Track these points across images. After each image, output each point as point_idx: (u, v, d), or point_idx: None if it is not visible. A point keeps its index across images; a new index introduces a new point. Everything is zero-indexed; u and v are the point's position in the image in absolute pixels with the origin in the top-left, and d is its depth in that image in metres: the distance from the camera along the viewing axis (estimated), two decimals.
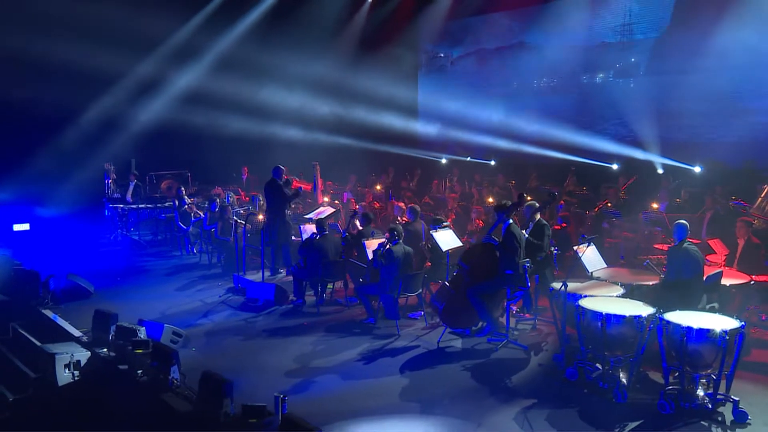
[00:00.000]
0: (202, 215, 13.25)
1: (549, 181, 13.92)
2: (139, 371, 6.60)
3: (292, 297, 9.49)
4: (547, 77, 16.04)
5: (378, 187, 15.20)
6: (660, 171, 13.10)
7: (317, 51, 17.25)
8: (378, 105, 17.28)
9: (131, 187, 15.40)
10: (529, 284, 7.44)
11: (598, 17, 14.62)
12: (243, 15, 17.24)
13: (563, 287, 6.54)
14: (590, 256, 7.33)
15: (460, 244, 8.60)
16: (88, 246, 13.98)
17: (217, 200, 12.66)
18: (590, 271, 7.23)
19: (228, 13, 17.03)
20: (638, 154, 13.30)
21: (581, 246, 7.27)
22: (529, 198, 12.04)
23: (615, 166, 13.78)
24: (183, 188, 14.30)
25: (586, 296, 6.51)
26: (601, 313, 6.03)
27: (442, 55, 18.56)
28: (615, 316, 6.01)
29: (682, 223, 6.63)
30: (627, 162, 13.59)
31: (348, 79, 17.44)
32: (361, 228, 9.50)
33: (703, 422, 5.53)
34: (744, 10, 11.77)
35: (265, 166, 16.92)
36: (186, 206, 13.33)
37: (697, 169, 12.50)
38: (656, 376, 6.41)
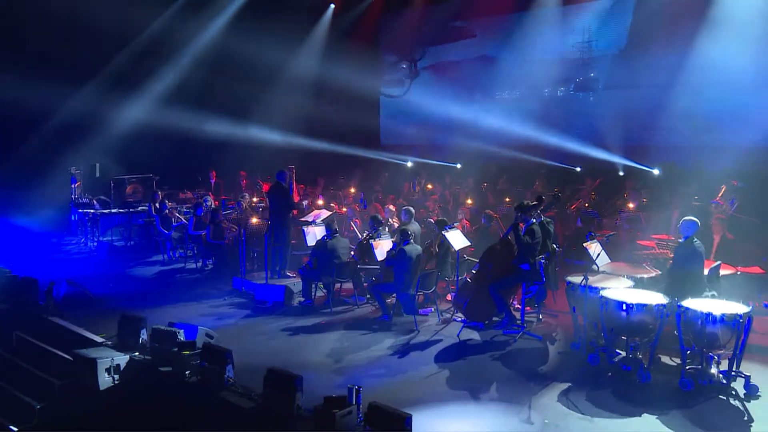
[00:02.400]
0: (184, 220, 13.25)
1: (518, 183, 14.69)
2: (187, 372, 6.74)
3: (299, 298, 9.74)
4: (509, 90, 16.86)
5: (352, 190, 15.53)
6: (621, 173, 14.12)
7: (283, 56, 17.46)
8: (342, 108, 17.66)
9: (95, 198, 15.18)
10: (544, 279, 8.04)
11: (559, 34, 15.52)
12: (208, 21, 17.23)
13: (584, 280, 7.16)
14: (597, 252, 7.99)
15: (469, 243, 9.11)
16: (59, 252, 13.71)
17: (204, 205, 12.67)
18: (599, 265, 7.87)
19: (191, 21, 16.96)
20: (602, 157, 14.26)
21: (590, 243, 7.93)
22: (507, 200, 12.79)
23: (578, 169, 14.71)
24: (160, 192, 14.17)
25: (604, 288, 7.15)
26: (626, 302, 6.68)
27: (404, 66, 19.06)
28: (638, 304, 6.67)
29: (693, 221, 7.37)
30: (590, 165, 14.55)
31: (313, 84, 17.78)
32: (369, 231, 9.83)
33: (721, 396, 6.26)
34: (693, 31, 12.92)
35: (232, 169, 17.10)
36: (167, 211, 13.25)
37: (656, 171, 13.58)
38: (666, 359, 7.13)
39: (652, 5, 14.00)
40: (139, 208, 14.72)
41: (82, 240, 14.61)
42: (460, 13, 16.78)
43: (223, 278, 11.13)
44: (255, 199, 14.31)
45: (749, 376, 6.33)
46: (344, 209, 12.67)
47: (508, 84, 16.61)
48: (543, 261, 7.95)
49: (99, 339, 8.01)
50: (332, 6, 18.82)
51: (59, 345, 8.23)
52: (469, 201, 13.37)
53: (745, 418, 5.85)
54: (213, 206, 13.30)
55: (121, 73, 16.36)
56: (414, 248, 8.70)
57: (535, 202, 8.07)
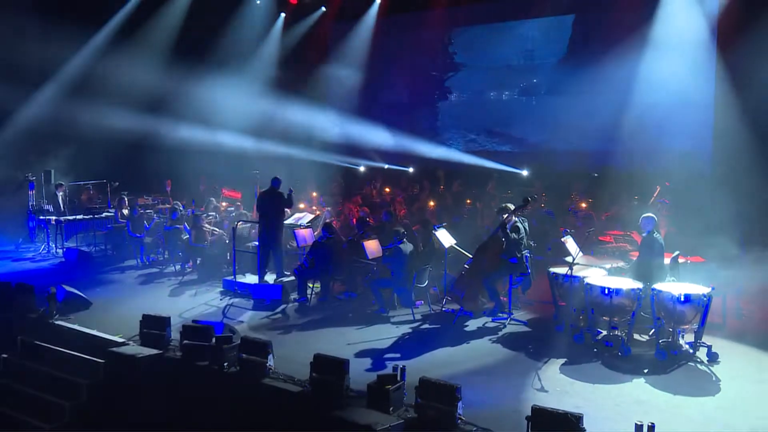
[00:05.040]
0: (157, 218, 13.49)
1: (474, 186, 15.78)
2: (225, 363, 7.28)
3: (294, 296, 10.35)
4: (456, 93, 18.02)
5: (314, 194, 16.13)
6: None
7: (238, 59, 17.88)
8: (294, 111, 18.21)
9: (60, 198, 15.03)
10: (530, 270, 9.10)
11: (504, 42, 16.80)
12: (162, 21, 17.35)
13: (569, 270, 8.26)
14: (572, 246, 9.13)
15: (455, 241, 10.03)
16: (26, 260, 13.60)
17: (179, 210, 12.98)
18: (574, 257, 9.00)
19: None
20: (545, 160, 15.62)
21: (566, 238, 9.07)
22: (468, 202, 13.85)
23: (525, 172, 16.01)
24: (125, 198, 14.31)
25: (587, 276, 8.28)
26: (608, 288, 7.81)
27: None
28: (618, 289, 7.81)
29: (651, 217, 8.62)
30: (535, 168, 15.88)
31: (267, 86, 18.24)
32: (359, 232, 10.59)
33: (689, 363, 7.48)
34: (625, 45, 14.46)
35: (188, 175, 17.27)
36: (138, 216, 13.43)
37: (596, 174, 15.05)
38: (636, 336, 8.31)
39: (589, 20, 15.49)
40: (104, 214, 14.74)
41: (42, 247, 14.47)
42: (415, 25, 17.76)
43: (208, 280, 11.55)
44: (224, 204, 14.66)
45: (710, 345, 7.60)
46: (318, 212, 13.30)
47: (456, 88, 17.75)
48: (528, 255, 8.99)
49: (119, 339, 8.35)
50: (282, 15, 19.33)
51: (75, 347, 8.51)
52: (432, 203, 14.35)
53: (713, 379, 7.08)
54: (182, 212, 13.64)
55: (73, 77, 16.25)
56: (408, 246, 9.56)
57: (521, 204, 9.10)
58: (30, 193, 15.04)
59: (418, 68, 18.41)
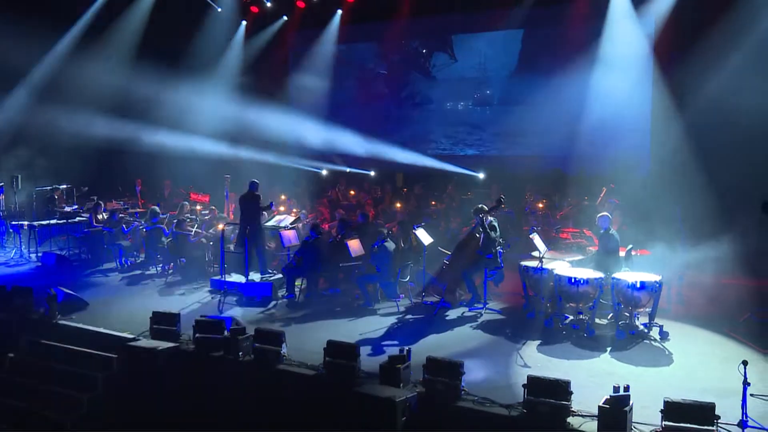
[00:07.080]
0: (137, 223, 13.91)
1: (436, 189, 16.79)
2: (240, 353, 7.97)
3: (282, 293, 11.06)
4: (414, 101, 19.06)
5: (283, 197, 16.76)
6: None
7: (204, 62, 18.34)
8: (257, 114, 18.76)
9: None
10: (503, 265, 10.14)
11: (459, 56, 17.93)
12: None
13: (540, 263, 9.35)
14: (539, 242, 10.22)
15: (433, 239, 10.98)
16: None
17: (158, 213, 13.42)
18: (542, 252, 10.08)
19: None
20: (498, 164, 16.84)
21: (533, 235, 10.17)
22: (433, 203, 14.83)
23: (481, 175, 17.16)
24: (102, 203, 14.60)
25: (554, 268, 9.38)
26: (574, 278, 8.93)
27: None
28: (583, 279, 8.93)
29: (606, 216, 9.81)
30: (490, 171, 17.05)
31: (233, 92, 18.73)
32: (341, 233, 11.40)
33: (645, 341, 8.67)
34: (571, 59, 15.78)
35: (155, 178, 17.59)
36: (116, 220, 13.77)
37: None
38: (598, 319, 9.46)
39: (538, 37, 16.79)
40: (77, 218, 14.95)
41: (14, 252, 14.58)
42: (372, 36, 18.68)
43: (194, 280, 12.07)
44: (199, 207, 15.12)
45: (662, 325, 8.82)
46: (295, 215, 13.99)
47: (416, 99, 18.81)
48: (502, 251, 10.03)
49: (129, 335, 8.88)
50: (244, 23, 19.85)
51: (82, 345, 8.98)
52: (398, 204, 15.28)
53: (666, 353, 8.28)
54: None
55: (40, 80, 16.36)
56: (391, 244, 10.45)
57: (495, 205, 10.14)
58: (0, 197, 15.07)
59: (378, 78, 19.35)
